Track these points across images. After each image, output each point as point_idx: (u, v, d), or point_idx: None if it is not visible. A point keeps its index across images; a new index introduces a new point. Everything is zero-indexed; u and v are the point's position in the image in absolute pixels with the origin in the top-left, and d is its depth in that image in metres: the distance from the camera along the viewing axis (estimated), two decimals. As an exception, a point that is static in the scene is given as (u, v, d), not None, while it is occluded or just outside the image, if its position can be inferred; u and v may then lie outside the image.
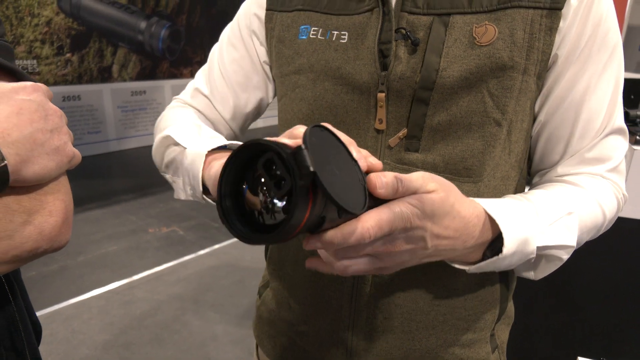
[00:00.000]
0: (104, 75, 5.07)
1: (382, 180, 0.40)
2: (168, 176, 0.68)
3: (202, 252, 3.01)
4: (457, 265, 0.51)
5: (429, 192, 0.42)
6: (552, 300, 1.57)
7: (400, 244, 0.42)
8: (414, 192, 0.41)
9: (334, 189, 0.34)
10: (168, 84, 5.68)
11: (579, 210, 0.53)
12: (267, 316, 0.74)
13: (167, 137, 0.64)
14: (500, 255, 0.47)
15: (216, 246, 3.10)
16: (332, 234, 0.38)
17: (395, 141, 0.56)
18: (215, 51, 0.72)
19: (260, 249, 3.05)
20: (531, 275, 0.56)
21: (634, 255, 1.47)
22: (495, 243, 0.49)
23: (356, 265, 0.43)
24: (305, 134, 0.34)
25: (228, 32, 0.71)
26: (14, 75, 0.48)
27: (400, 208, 0.40)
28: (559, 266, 0.53)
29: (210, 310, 2.39)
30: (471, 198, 0.48)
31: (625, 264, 1.48)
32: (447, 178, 0.54)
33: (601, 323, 1.54)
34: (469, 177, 0.55)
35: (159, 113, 5.68)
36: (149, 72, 5.52)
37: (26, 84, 0.44)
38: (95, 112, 4.95)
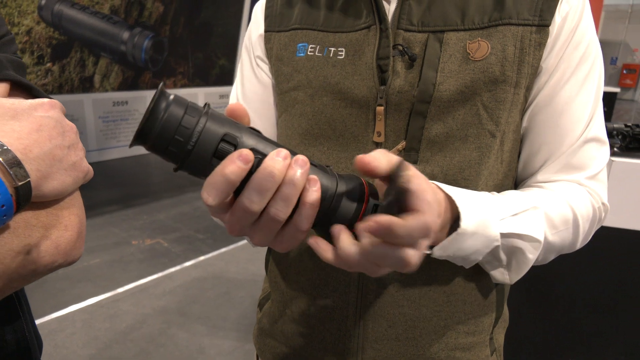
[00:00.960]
0: (86, 86, 5.00)
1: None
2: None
3: (187, 263, 2.98)
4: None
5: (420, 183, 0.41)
6: (538, 306, 1.60)
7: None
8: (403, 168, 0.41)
9: None
10: (151, 94, 5.63)
11: (545, 207, 0.55)
12: (269, 328, 0.74)
13: None
14: (459, 229, 0.47)
15: (201, 258, 3.06)
16: (396, 220, 0.36)
17: (394, 153, 0.57)
18: (234, 87, 0.74)
19: (245, 260, 3.03)
20: (506, 277, 0.57)
21: (615, 262, 1.52)
22: (455, 224, 0.49)
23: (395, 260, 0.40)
24: None
25: (239, 66, 0.73)
26: (30, 92, 0.48)
27: (429, 201, 0.39)
28: (529, 266, 0.55)
29: (197, 323, 2.35)
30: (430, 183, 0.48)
31: (608, 272, 1.53)
32: None
33: (585, 329, 1.58)
34: (466, 187, 0.57)
35: (141, 124, 5.67)
36: (132, 83, 5.47)
37: (43, 100, 0.44)
38: (75, 123, 4.86)
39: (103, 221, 3.64)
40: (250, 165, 0.37)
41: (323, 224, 0.42)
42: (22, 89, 0.48)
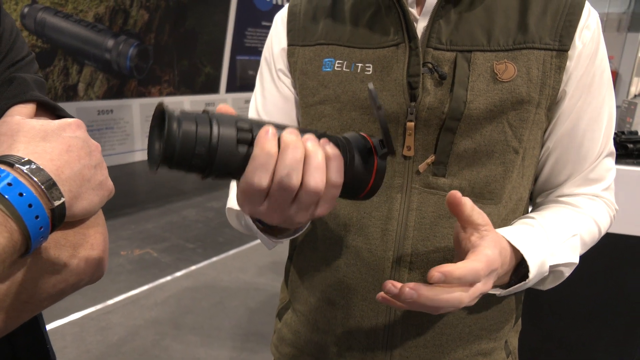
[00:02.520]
0: (69, 94, 4.93)
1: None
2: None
3: (178, 273, 2.95)
4: (491, 290, 0.56)
5: (488, 230, 0.49)
6: (546, 310, 1.63)
7: (490, 282, 0.49)
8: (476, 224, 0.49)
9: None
10: (136, 102, 5.58)
11: (580, 231, 0.61)
12: (291, 337, 0.74)
13: (230, 210, 0.68)
14: (527, 280, 0.55)
15: (193, 267, 3.04)
16: (451, 267, 0.45)
17: (424, 167, 0.60)
18: (254, 100, 0.75)
19: (236, 269, 3.01)
20: (540, 287, 0.63)
21: (616, 266, 1.56)
22: (519, 268, 0.56)
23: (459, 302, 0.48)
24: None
25: (258, 79, 0.74)
26: (54, 111, 0.48)
27: (492, 251, 0.48)
28: (563, 279, 0.62)
29: (191, 334, 2.33)
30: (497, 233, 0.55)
31: (610, 275, 1.57)
32: (471, 200, 0.58)
33: (589, 332, 1.61)
34: (491, 200, 0.61)
35: (126, 132, 5.55)
36: (117, 91, 5.41)
37: (70, 121, 0.44)
38: (59, 132, 4.79)
39: (90, 232, 3.58)
40: (277, 138, 0.40)
41: (344, 185, 0.45)
42: (46, 109, 0.48)
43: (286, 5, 0.71)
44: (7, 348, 0.48)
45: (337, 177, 0.41)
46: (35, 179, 0.37)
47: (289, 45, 0.68)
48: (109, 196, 0.49)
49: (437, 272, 0.44)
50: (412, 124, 0.59)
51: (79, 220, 0.45)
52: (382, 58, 0.61)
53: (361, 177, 0.45)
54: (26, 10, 4.21)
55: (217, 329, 2.37)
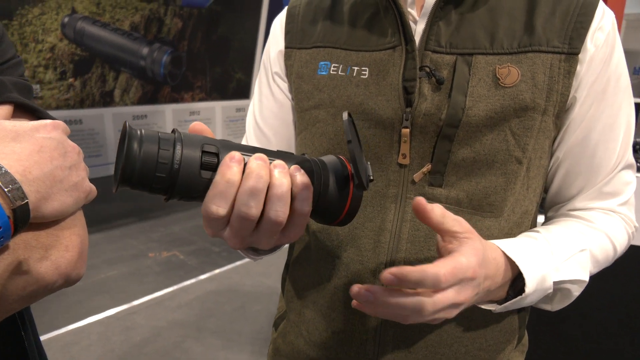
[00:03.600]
0: (106, 100, 5.11)
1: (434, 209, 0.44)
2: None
3: (202, 276, 2.98)
4: (485, 306, 0.53)
5: (467, 237, 0.45)
6: (563, 326, 1.55)
7: (466, 292, 0.44)
8: (452, 233, 0.45)
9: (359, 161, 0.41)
10: (169, 108, 5.72)
11: (590, 247, 0.56)
12: (285, 348, 0.72)
13: None
14: (524, 294, 0.50)
15: (217, 271, 3.06)
16: (406, 269, 0.40)
17: (419, 176, 0.57)
18: (251, 105, 0.74)
19: (259, 274, 3.01)
20: (549, 308, 0.58)
21: (627, 279, 1.47)
22: (516, 282, 0.52)
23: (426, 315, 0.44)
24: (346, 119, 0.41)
25: (257, 84, 0.73)
26: (34, 113, 0.48)
27: (467, 258, 0.43)
28: (573, 299, 0.56)
29: (212, 337, 2.34)
30: (487, 241, 0.51)
31: (632, 290, 1.47)
32: (469, 213, 0.55)
33: (611, 349, 1.52)
34: (491, 213, 0.57)
35: (159, 137, 5.75)
36: (151, 97, 5.57)
37: (46, 122, 0.44)
38: (96, 136, 4.97)
39: (120, 233, 3.68)
40: (242, 165, 0.39)
41: (318, 210, 0.44)
42: (26, 111, 0.48)
43: (285, 8, 0.69)
44: None
45: (305, 206, 0.40)
46: None
47: (286, 47, 0.66)
48: (87, 198, 0.48)
49: (389, 273, 0.41)
50: (408, 130, 0.56)
51: (53, 222, 0.45)
52: (379, 61, 0.58)
53: (335, 204, 0.43)
54: (66, 19, 4.40)
55: (237, 333, 2.38)
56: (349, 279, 0.61)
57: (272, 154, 0.42)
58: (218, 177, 0.38)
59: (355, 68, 0.59)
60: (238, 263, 3.19)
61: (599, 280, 1.43)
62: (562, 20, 0.54)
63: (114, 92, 5.07)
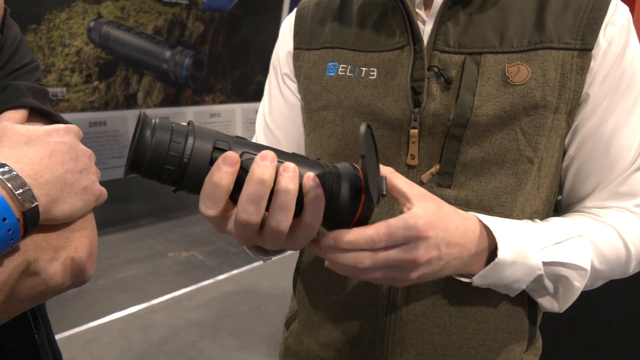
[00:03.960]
0: (129, 102, 5.22)
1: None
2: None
3: (220, 277, 3.01)
4: (462, 279, 0.51)
5: (420, 200, 0.44)
6: (579, 334, 1.51)
7: (418, 252, 0.43)
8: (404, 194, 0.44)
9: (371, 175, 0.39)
10: (190, 110, 5.81)
11: (591, 236, 0.53)
12: (295, 348, 0.73)
13: None
14: (496, 259, 0.48)
15: (234, 271, 3.09)
16: (342, 232, 0.41)
17: (427, 177, 0.56)
18: (261, 106, 0.74)
19: (276, 275, 3.03)
20: (554, 305, 0.56)
21: None
22: (494, 254, 0.50)
23: (371, 271, 0.43)
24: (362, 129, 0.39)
25: (266, 85, 0.73)
26: (49, 118, 0.50)
27: (413, 218, 0.42)
28: (577, 294, 0.53)
29: (228, 337, 2.37)
30: (460, 213, 0.49)
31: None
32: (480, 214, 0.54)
33: (634, 356, 1.47)
34: (501, 213, 0.56)
35: (180, 139, 5.85)
36: (173, 99, 5.67)
37: (59, 126, 0.46)
38: (120, 138, 5.08)
39: (141, 233, 3.75)
40: (237, 166, 0.37)
41: (327, 218, 0.42)
42: (41, 116, 0.50)
43: (295, 9, 0.70)
44: None
45: (315, 221, 0.39)
46: (7, 183, 0.38)
47: (294, 48, 0.67)
48: (97, 201, 0.49)
49: (327, 236, 0.41)
50: (416, 131, 0.56)
51: (63, 224, 0.46)
52: (387, 62, 0.58)
53: (345, 213, 0.42)
54: (92, 24, 4.51)
55: (253, 334, 2.39)
56: (358, 280, 0.61)
57: (286, 157, 0.40)
58: (207, 178, 0.37)
59: (364, 69, 0.59)
60: (255, 264, 3.21)
61: (622, 285, 1.39)
62: (574, 16, 0.53)
63: (137, 94, 5.18)
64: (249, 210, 0.37)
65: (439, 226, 0.43)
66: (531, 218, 0.58)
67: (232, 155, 0.36)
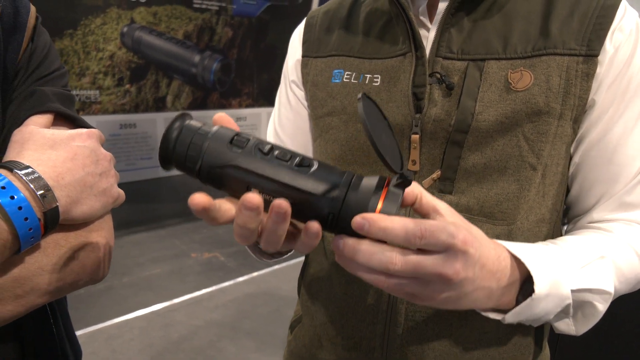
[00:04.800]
0: (159, 105, 5.36)
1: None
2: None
3: (240, 279, 3.05)
4: (491, 315, 0.49)
5: (453, 217, 0.42)
6: (591, 349, 1.47)
7: (455, 266, 0.38)
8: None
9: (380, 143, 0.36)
10: (217, 113, 5.91)
11: (612, 256, 0.51)
12: (298, 352, 0.74)
13: None
14: (534, 295, 0.45)
15: (255, 274, 3.13)
16: (377, 216, 0.36)
17: (428, 182, 0.57)
18: (272, 114, 0.76)
19: (296, 279, 3.05)
20: (571, 329, 0.53)
21: None
22: (526, 286, 0.48)
23: (397, 279, 0.39)
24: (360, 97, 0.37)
25: (278, 92, 0.75)
26: (73, 122, 0.53)
27: (455, 226, 0.38)
28: (598, 318, 0.51)
29: (246, 338, 2.39)
30: (490, 239, 0.47)
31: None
32: (480, 221, 0.54)
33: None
34: (503, 220, 0.55)
35: (207, 141, 5.97)
36: (200, 103, 5.79)
37: (82, 131, 0.48)
38: (149, 140, 5.22)
39: (166, 233, 3.83)
40: (259, 208, 0.35)
41: (345, 214, 0.38)
42: (66, 120, 0.53)
43: (305, 18, 0.72)
44: (17, 345, 0.53)
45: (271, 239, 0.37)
46: (30, 184, 0.41)
47: (303, 56, 0.69)
48: (115, 203, 0.52)
49: (360, 217, 0.36)
50: (417, 136, 0.56)
51: (83, 224, 0.49)
52: (390, 68, 0.59)
53: (362, 203, 0.38)
54: (125, 29, 4.66)
55: (271, 336, 2.42)
56: (357, 285, 0.62)
57: (308, 162, 0.39)
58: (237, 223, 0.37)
59: (368, 76, 0.60)
60: (276, 267, 3.24)
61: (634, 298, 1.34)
62: (580, 22, 0.53)
63: (167, 98, 5.31)
64: (243, 234, 0.37)
65: (474, 244, 0.39)
66: (537, 226, 0.57)
67: (252, 199, 0.35)
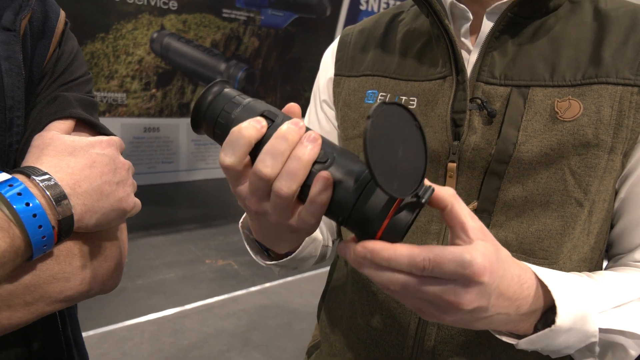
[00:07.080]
0: (183, 111, 5.43)
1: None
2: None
3: (253, 288, 3.03)
4: (504, 338, 0.46)
5: (481, 238, 0.38)
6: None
7: (469, 297, 0.36)
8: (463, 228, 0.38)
9: (381, 163, 0.32)
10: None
11: None
12: None
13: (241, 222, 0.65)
14: (553, 327, 0.42)
15: (267, 284, 3.11)
16: (381, 245, 0.35)
17: None
18: None
19: (308, 292, 3.02)
20: None
21: None
22: (548, 315, 0.44)
23: (403, 295, 0.38)
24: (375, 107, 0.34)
25: (307, 112, 0.74)
26: (94, 129, 0.53)
27: (471, 255, 0.35)
28: None
29: (255, 351, 2.37)
30: (519, 262, 0.44)
31: None
32: (519, 258, 0.51)
33: None
34: (544, 259, 0.52)
35: (228, 149, 6.07)
36: (223, 110, 5.84)
37: (102, 138, 0.48)
38: (170, 144, 5.29)
39: (181, 238, 3.85)
40: (263, 126, 0.37)
41: (349, 216, 0.37)
42: (87, 126, 0.53)
43: (339, 36, 0.71)
44: (24, 350, 0.52)
45: (321, 197, 0.35)
46: (47, 191, 0.40)
47: (335, 75, 0.67)
48: (130, 213, 0.51)
49: (363, 245, 0.35)
50: (454, 165, 0.54)
51: (96, 232, 0.48)
52: (428, 91, 0.57)
53: (373, 216, 0.36)
54: (155, 35, 4.76)
55: (280, 349, 2.38)
56: (382, 316, 0.60)
57: (334, 148, 0.38)
58: (233, 128, 0.37)
59: (404, 97, 0.58)
60: (289, 279, 3.21)
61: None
62: (635, 50, 0.50)
63: (191, 104, 5.39)
64: (266, 162, 0.36)
65: (496, 273, 0.37)
66: (579, 267, 0.54)
67: (259, 119, 0.38)
